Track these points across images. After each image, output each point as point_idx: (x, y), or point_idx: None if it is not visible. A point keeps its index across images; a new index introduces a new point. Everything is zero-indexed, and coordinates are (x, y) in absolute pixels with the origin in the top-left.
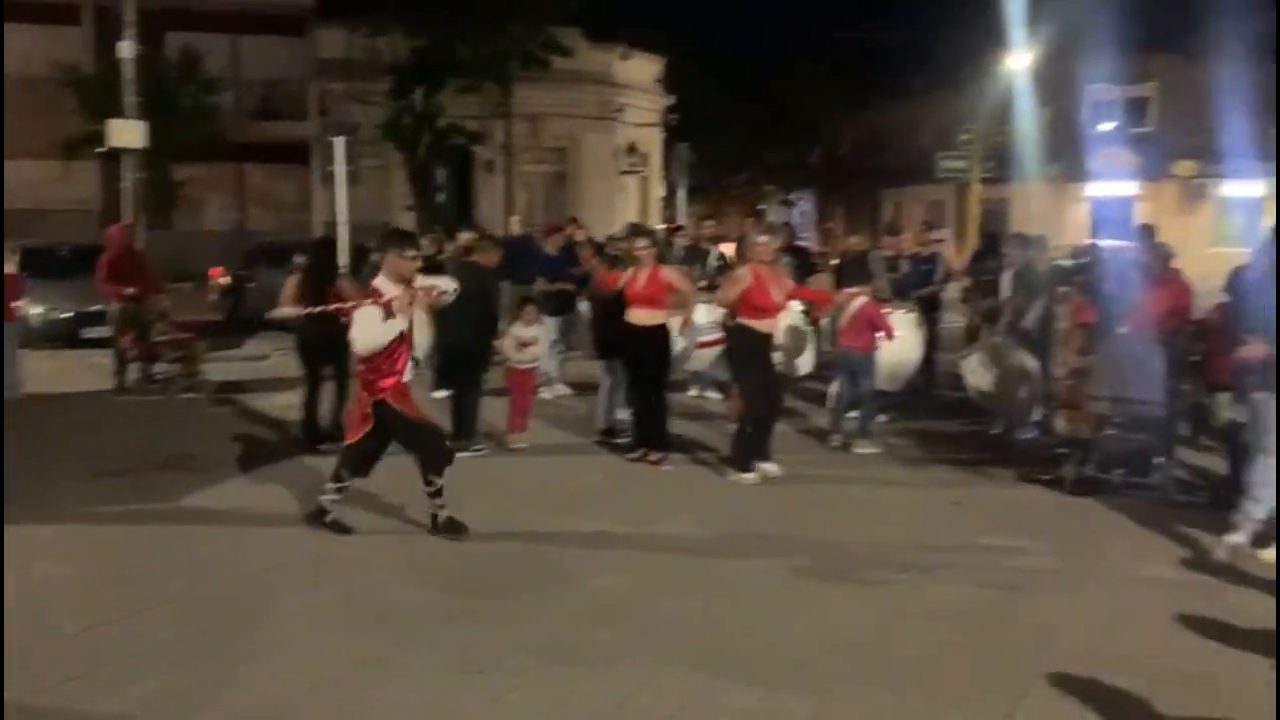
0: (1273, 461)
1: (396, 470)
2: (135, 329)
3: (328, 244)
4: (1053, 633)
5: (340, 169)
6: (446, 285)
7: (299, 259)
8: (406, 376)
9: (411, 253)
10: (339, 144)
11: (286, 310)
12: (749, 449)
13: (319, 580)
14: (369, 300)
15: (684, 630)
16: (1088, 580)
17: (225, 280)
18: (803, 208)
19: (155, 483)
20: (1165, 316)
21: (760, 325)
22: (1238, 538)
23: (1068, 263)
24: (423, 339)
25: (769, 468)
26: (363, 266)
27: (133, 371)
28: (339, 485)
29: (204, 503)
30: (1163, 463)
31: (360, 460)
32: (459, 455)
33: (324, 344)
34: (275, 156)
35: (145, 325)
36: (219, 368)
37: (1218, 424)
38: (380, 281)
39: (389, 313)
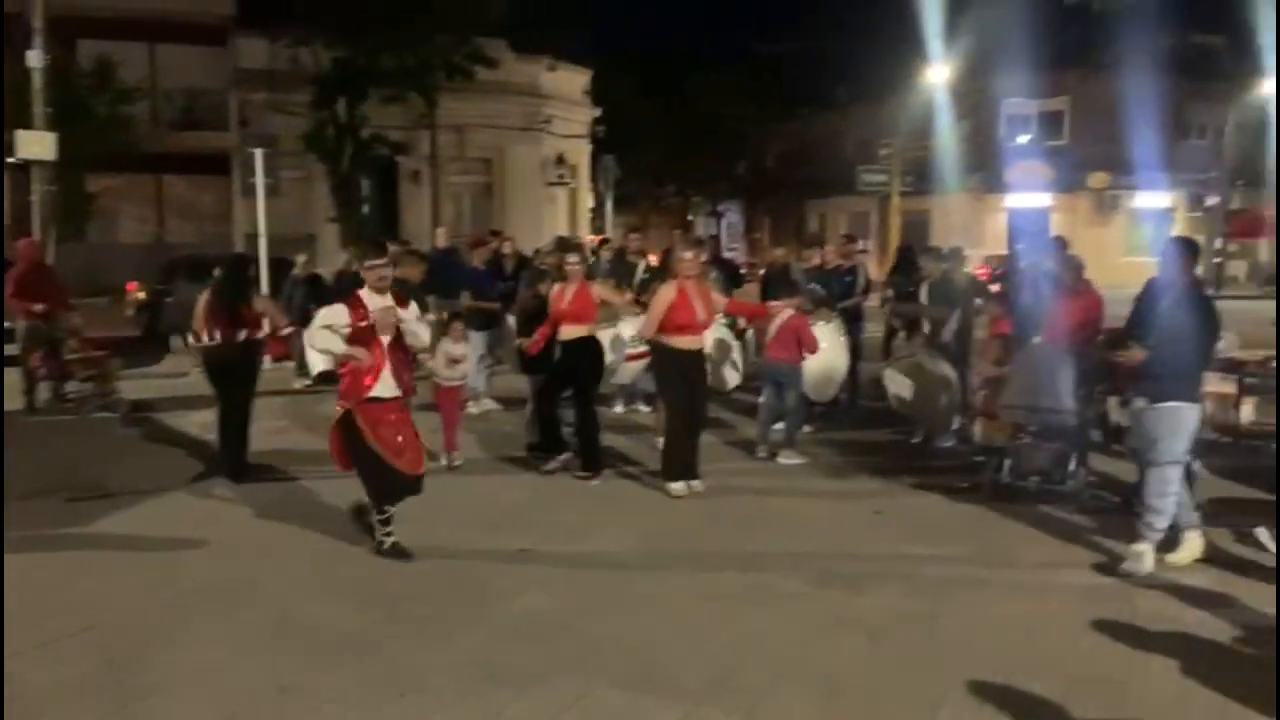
0: (1161, 473)
1: (329, 486)
2: (45, 346)
3: (241, 262)
4: (971, 640)
5: (260, 182)
6: (418, 328)
7: (219, 273)
8: (380, 392)
9: (373, 262)
10: (258, 156)
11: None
12: (675, 462)
13: (239, 605)
14: (348, 310)
15: (610, 648)
16: (1004, 588)
17: (141, 295)
18: (730, 219)
19: (68, 507)
20: (1077, 327)
21: (683, 342)
22: (1142, 546)
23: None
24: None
25: (694, 484)
26: (283, 281)
27: (43, 391)
28: (382, 517)
29: (120, 528)
30: (1076, 470)
31: (379, 478)
32: None
33: (232, 366)
34: (195, 167)
35: (56, 342)
36: (135, 385)
37: (1110, 429)
38: (364, 292)
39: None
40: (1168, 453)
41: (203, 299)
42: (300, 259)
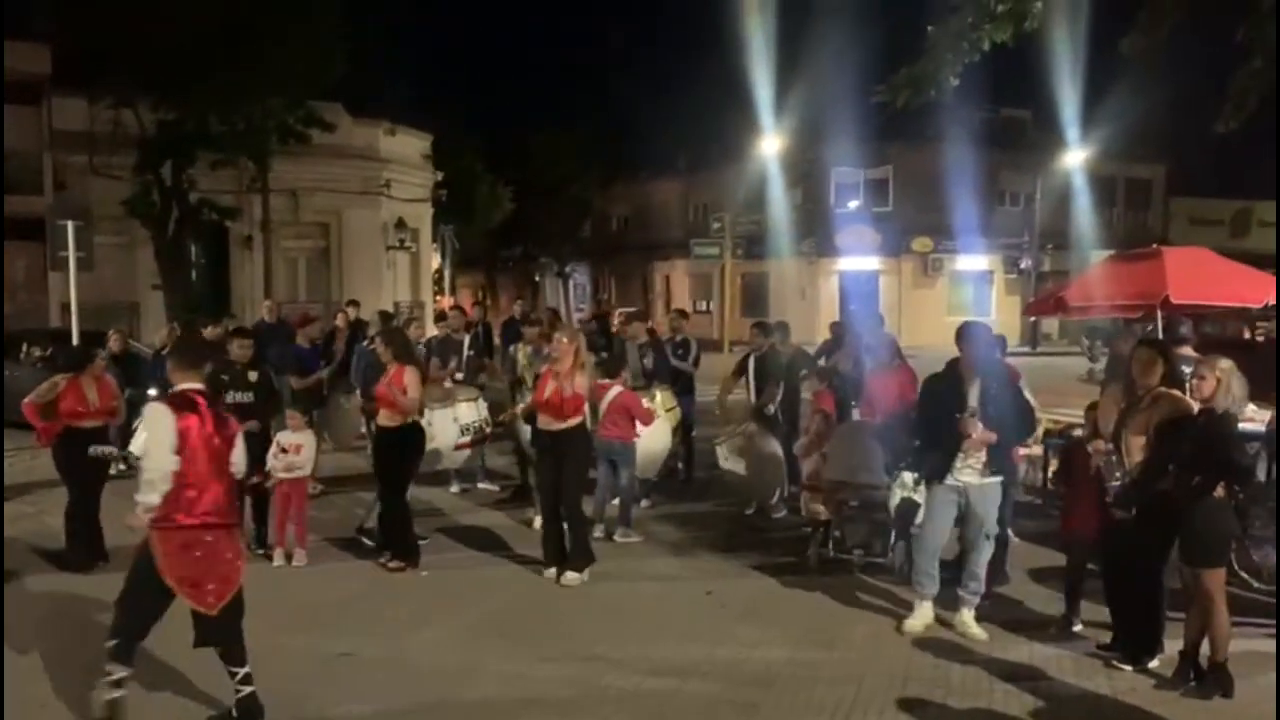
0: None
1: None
2: None
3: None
4: None
5: (71, 255)
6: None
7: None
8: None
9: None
10: (69, 228)
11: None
12: (545, 547)
13: None
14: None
15: None
16: (824, 669)
17: None
18: (577, 279)
19: None
20: (892, 402)
21: (543, 424)
22: (964, 615)
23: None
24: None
25: (568, 575)
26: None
27: None
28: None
29: None
30: (895, 543)
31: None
32: None
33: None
34: (7, 233)
35: None
36: None
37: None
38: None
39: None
40: (998, 523)
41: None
42: (111, 334)
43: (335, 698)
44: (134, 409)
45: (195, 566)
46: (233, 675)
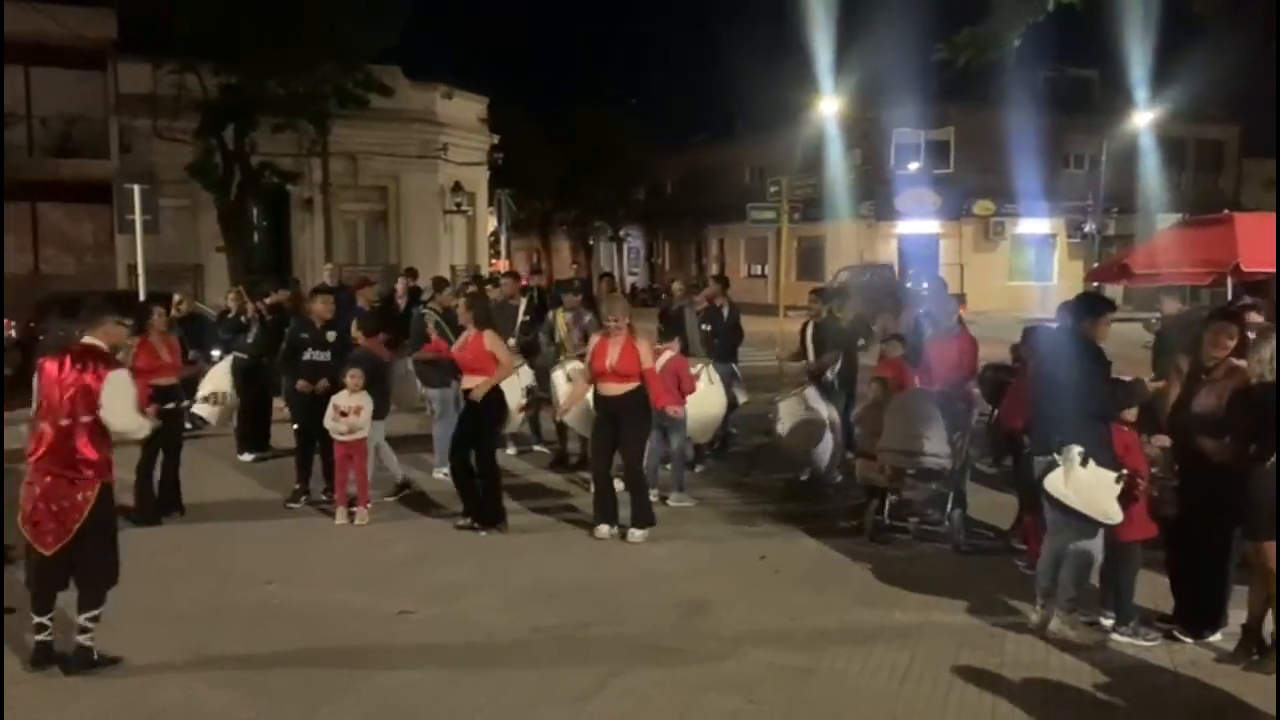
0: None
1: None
2: None
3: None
4: (843, 695)
5: (138, 218)
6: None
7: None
8: None
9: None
10: (136, 192)
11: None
12: (596, 506)
13: (94, 690)
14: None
15: None
16: (880, 635)
17: (13, 333)
18: (632, 244)
19: None
20: (952, 370)
21: (599, 389)
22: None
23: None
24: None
25: (634, 532)
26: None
27: None
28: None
29: None
30: (952, 511)
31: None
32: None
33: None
34: (74, 196)
35: None
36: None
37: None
38: None
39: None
40: None
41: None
42: (177, 298)
43: (395, 656)
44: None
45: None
46: None
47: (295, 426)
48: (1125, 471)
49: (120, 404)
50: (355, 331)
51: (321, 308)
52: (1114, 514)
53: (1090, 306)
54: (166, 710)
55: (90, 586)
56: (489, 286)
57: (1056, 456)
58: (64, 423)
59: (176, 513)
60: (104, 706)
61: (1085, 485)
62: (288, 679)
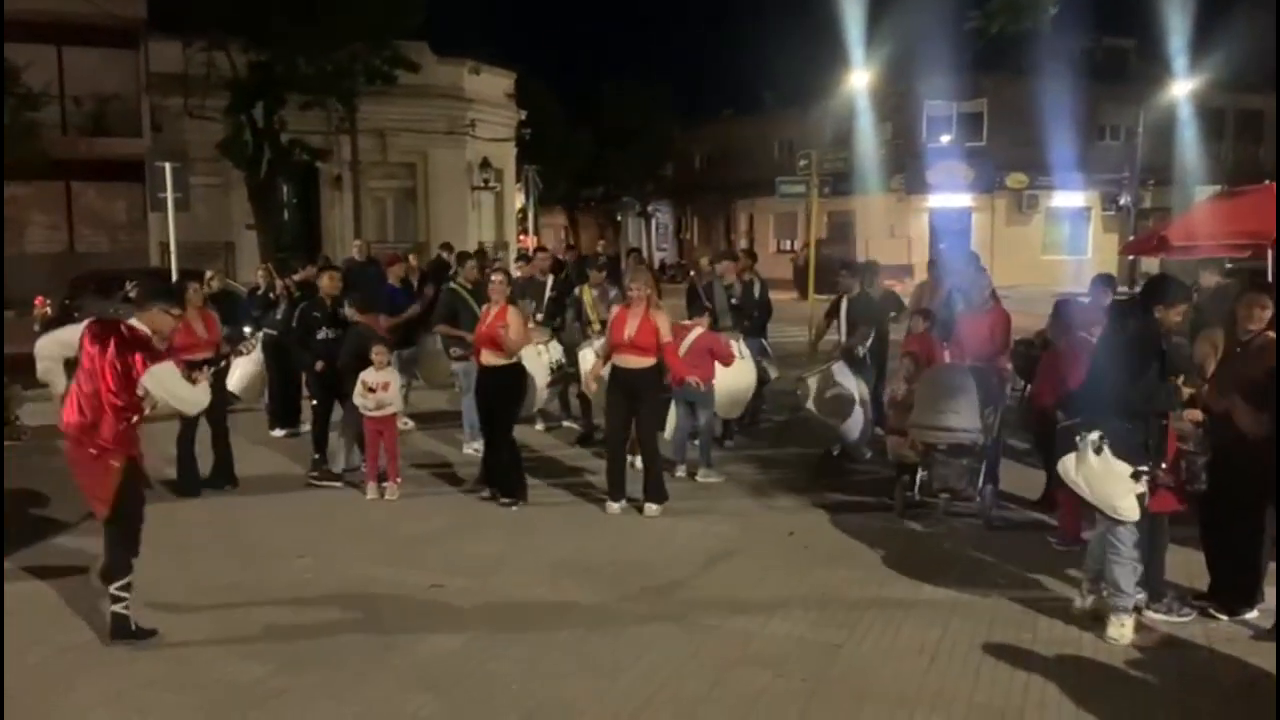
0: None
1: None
2: None
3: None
4: (874, 671)
5: (170, 196)
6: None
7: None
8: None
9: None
10: (167, 170)
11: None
12: (608, 481)
13: (133, 660)
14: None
15: (513, 691)
16: (911, 611)
17: (48, 311)
18: (660, 219)
19: None
20: (984, 345)
21: (616, 361)
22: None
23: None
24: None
25: (612, 506)
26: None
27: None
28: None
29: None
30: (984, 487)
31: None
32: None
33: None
34: (106, 174)
35: None
36: (39, 409)
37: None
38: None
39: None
40: None
41: None
42: (209, 274)
43: (427, 628)
44: (230, 346)
45: None
46: None
47: (314, 403)
48: (1144, 468)
49: (173, 391)
50: (349, 309)
51: (329, 284)
52: (1125, 511)
53: (1165, 291)
54: (201, 681)
55: (111, 557)
56: (520, 263)
57: (1078, 439)
58: (94, 399)
59: (229, 485)
60: (141, 678)
61: (1095, 475)
62: (321, 651)
